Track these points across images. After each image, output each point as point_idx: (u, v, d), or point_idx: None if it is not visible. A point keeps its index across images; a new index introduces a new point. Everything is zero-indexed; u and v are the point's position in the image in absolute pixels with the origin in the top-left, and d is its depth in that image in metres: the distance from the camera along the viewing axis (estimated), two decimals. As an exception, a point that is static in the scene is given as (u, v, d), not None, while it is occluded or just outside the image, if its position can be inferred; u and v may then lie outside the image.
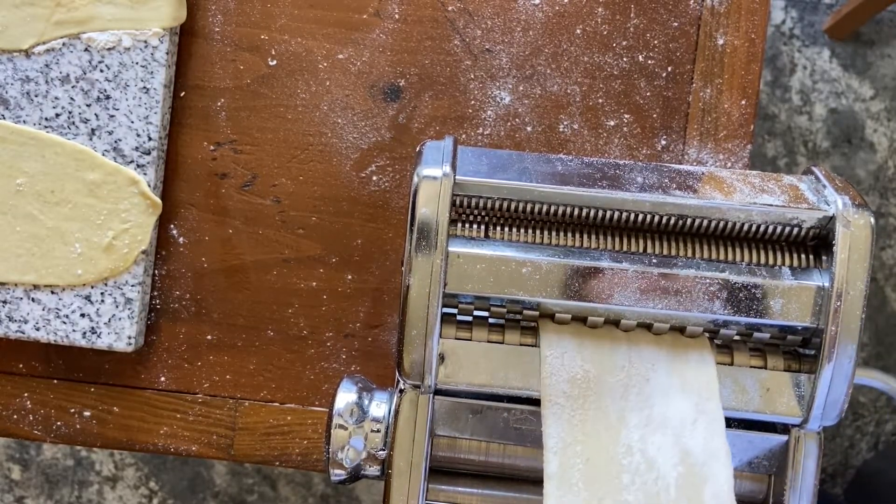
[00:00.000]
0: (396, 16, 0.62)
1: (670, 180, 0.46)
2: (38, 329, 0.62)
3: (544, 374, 0.44)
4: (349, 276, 0.63)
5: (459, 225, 0.45)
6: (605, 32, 0.62)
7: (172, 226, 0.63)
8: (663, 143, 0.62)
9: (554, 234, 0.45)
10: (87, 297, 0.61)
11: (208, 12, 0.63)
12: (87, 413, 0.65)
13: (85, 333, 0.61)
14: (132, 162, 0.60)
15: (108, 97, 0.60)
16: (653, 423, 0.42)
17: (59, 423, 0.65)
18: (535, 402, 0.45)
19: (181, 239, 0.63)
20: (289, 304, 0.63)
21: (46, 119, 0.60)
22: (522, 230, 0.45)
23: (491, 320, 0.46)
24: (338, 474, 0.47)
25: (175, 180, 0.63)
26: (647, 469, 0.42)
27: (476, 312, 0.47)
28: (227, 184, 0.63)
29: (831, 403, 0.44)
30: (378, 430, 0.46)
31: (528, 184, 0.44)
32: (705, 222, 0.45)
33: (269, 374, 0.64)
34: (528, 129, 0.62)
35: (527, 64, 0.62)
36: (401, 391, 0.46)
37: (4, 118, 0.60)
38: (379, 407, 0.47)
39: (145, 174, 0.61)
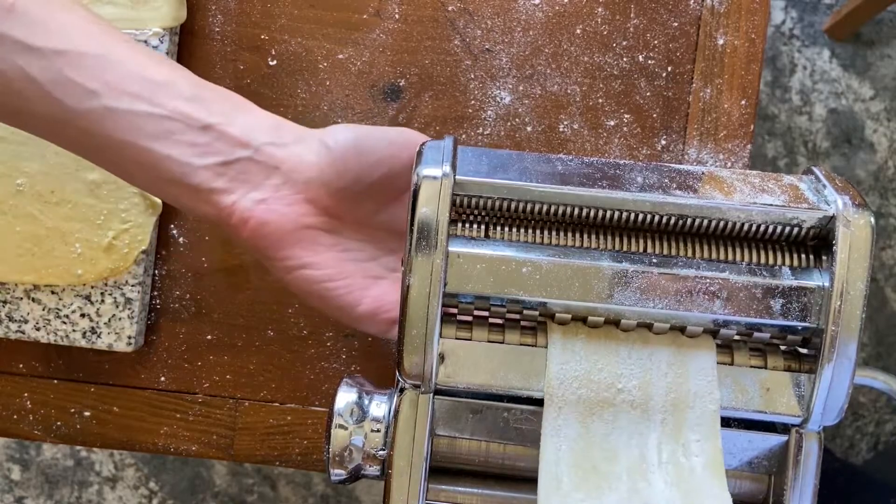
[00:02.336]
0: (396, 16, 0.62)
1: (670, 180, 0.46)
2: (38, 329, 0.62)
3: (549, 373, 0.44)
4: (349, 276, 0.63)
5: (459, 225, 0.45)
6: (605, 32, 0.62)
7: (172, 226, 0.63)
8: (663, 143, 0.62)
9: (554, 233, 0.45)
10: (87, 297, 0.61)
11: (208, 12, 0.63)
12: (87, 413, 0.64)
13: (85, 333, 0.61)
14: (132, 162, 0.60)
15: (108, 97, 0.60)
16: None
17: (59, 423, 0.65)
18: (536, 402, 0.45)
19: (181, 239, 0.63)
20: (289, 304, 0.63)
21: (46, 119, 0.60)
22: (522, 230, 0.45)
23: (491, 320, 0.46)
24: (338, 474, 0.47)
25: (175, 180, 0.63)
26: (643, 345, 0.45)
27: (476, 312, 0.47)
28: (227, 184, 0.63)
29: (831, 403, 0.44)
30: (378, 430, 0.46)
31: (528, 184, 0.44)
32: (705, 222, 0.45)
33: (269, 374, 0.64)
34: (528, 129, 0.62)
35: (527, 64, 0.62)
36: (401, 391, 0.46)
37: (4, 118, 0.60)
38: (379, 407, 0.47)
39: (145, 174, 0.60)
